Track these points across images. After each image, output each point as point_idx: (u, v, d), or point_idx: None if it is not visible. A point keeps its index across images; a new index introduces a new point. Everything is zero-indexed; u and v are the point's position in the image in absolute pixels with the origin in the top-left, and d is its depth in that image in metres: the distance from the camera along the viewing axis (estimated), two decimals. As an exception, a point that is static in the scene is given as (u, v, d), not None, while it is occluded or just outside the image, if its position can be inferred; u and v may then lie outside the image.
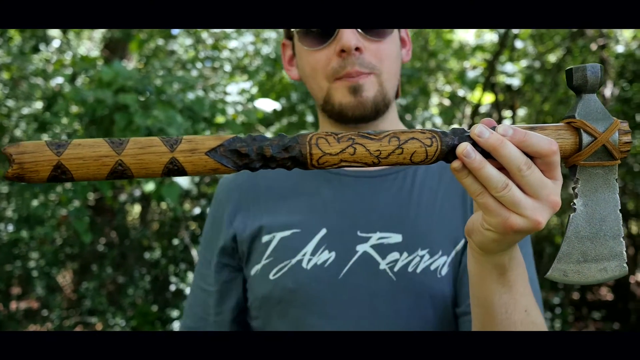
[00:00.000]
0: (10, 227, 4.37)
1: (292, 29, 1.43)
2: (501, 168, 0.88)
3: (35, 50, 4.72)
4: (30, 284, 4.50)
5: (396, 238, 1.36)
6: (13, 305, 4.90)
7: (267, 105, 3.94)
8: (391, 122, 1.46)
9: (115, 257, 4.54)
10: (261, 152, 0.85)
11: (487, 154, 0.88)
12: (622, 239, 0.98)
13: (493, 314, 1.06)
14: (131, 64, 4.73)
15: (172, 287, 4.55)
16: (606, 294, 7.40)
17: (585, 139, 0.93)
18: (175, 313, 4.25)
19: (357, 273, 1.34)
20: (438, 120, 4.73)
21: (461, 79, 4.72)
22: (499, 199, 0.88)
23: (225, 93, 3.96)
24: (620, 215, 0.98)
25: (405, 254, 1.34)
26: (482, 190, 0.89)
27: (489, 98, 5.08)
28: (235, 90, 3.91)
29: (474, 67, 5.34)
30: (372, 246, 1.36)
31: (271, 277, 1.38)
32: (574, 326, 6.20)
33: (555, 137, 0.93)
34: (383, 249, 1.35)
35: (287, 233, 1.40)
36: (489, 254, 0.99)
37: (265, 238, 1.41)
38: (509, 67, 4.82)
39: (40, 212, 4.00)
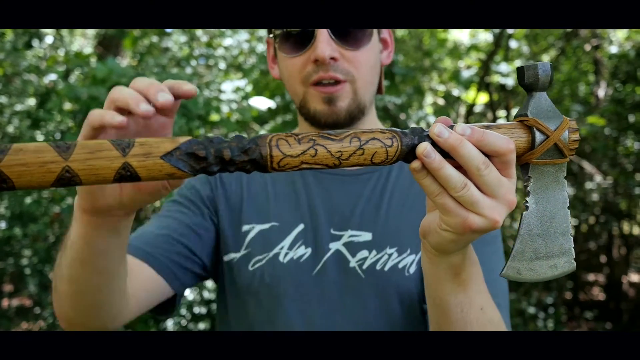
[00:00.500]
0: (3, 225, 4.35)
1: (271, 34, 1.45)
2: (458, 167, 0.88)
3: (28, 46, 4.70)
4: (23, 281, 4.48)
5: (366, 236, 1.39)
6: (5, 302, 4.88)
7: (262, 103, 3.93)
8: (369, 125, 1.48)
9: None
10: (220, 155, 0.80)
11: (445, 154, 0.87)
12: (570, 236, 0.99)
13: (449, 314, 1.07)
14: (125, 61, 4.72)
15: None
16: (598, 294, 7.43)
17: (538, 137, 0.93)
18: (168, 311, 4.22)
19: (329, 270, 1.38)
20: (432, 119, 4.73)
21: (456, 78, 4.72)
22: (457, 198, 0.88)
23: (220, 91, 3.95)
24: (569, 212, 0.99)
25: (374, 252, 1.38)
26: (440, 191, 0.88)
27: (483, 98, 5.08)
28: (230, 89, 3.91)
29: (469, 67, 5.35)
30: (344, 244, 1.39)
31: (250, 267, 1.40)
32: (567, 326, 6.22)
33: (510, 135, 0.93)
34: (353, 247, 1.39)
35: (266, 226, 1.43)
36: (444, 254, 0.99)
37: (245, 227, 1.43)
38: (504, 67, 4.82)
39: (33, 210, 3.98)
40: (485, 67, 4.86)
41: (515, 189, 0.92)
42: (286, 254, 1.39)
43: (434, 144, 0.87)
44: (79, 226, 1.02)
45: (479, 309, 1.07)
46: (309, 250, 1.39)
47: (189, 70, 3.98)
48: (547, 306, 5.32)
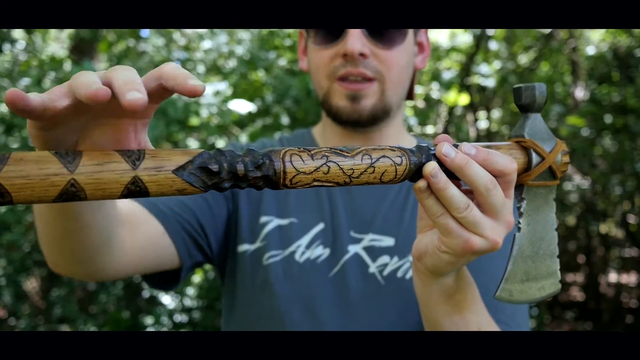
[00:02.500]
0: (-24, 234, 4.24)
1: None
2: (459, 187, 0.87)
3: None
4: (3, 292, 4.36)
5: (388, 241, 1.34)
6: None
7: (242, 106, 3.87)
8: (395, 127, 1.45)
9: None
10: (233, 171, 0.75)
11: (448, 173, 0.85)
12: (557, 258, 1.00)
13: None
14: (101, 64, 4.63)
15: (146, 294, 4.46)
16: (577, 294, 7.47)
17: (535, 159, 0.94)
18: (149, 320, 4.15)
19: (346, 273, 1.32)
20: (413, 121, 4.70)
21: (436, 79, 4.70)
22: (459, 219, 0.86)
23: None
24: (557, 234, 1.00)
25: (395, 259, 1.33)
26: (443, 212, 0.86)
27: (464, 99, 5.07)
28: (210, 92, 3.84)
29: (449, 68, 5.34)
30: (364, 248, 1.34)
31: (264, 262, 1.35)
32: (548, 327, 6.23)
33: (508, 155, 0.92)
34: (374, 252, 1.34)
35: (285, 221, 1.38)
36: (438, 276, 0.96)
37: (263, 219, 1.38)
38: (484, 68, 4.82)
39: (8, 218, 3.88)
40: (466, 69, 4.85)
41: (512, 210, 0.91)
42: (303, 252, 1.34)
43: (439, 162, 0.85)
44: None
45: (476, 328, 1.05)
46: (327, 251, 1.34)
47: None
48: (529, 307, 5.32)
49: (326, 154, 0.80)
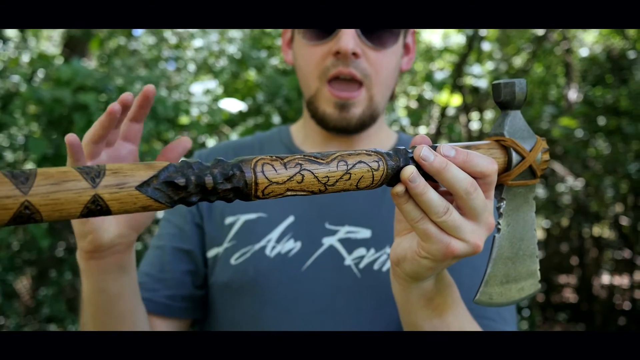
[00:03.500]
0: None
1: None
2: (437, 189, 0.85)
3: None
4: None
5: (365, 233, 1.31)
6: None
7: (233, 105, 3.85)
8: (376, 130, 1.42)
9: (75, 263, 4.40)
10: (201, 184, 0.71)
11: (427, 176, 0.82)
12: (536, 257, 0.97)
13: None
14: (92, 63, 4.61)
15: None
16: (570, 296, 7.46)
17: (515, 158, 0.91)
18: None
19: (321, 267, 1.29)
20: (405, 122, 4.69)
21: (429, 80, 4.69)
22: (439, 224, 0.83)
23: (189, 93, 3.87)
24: (536, 233, 0.97)
25: (372, 251, 1.29)
26: (422, 216, 0.83)
27: (456, 100, 5.06)
28: (200, 90, 3.82)
29: (442, 69, 5.32)
30: (340, 240, 1.31)
31: (232, 262, 1.32)
32: (540, 328, 6.23)
33: (488, 155, 0.89)
34: (350, 244, 1.30)
35: (252, 216, 1.34)
36: (417, 281, 0.94)
37: (228, 220, 1.35)
38: (477, 69, 4.81)
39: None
40: (458, 69, 4.84)
41: (493, 211, 0.88)
42: (273, 247, 1.30)
43: (417, 166, 0.82)
44: (89, 279, 1.05)
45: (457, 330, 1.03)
46: (299, 244, 1.30)
47: (157, 72, 3.89)
48: (521, 309, 5.32)
49: (300, 161, 0.77)
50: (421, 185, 0.81)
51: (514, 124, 0.93)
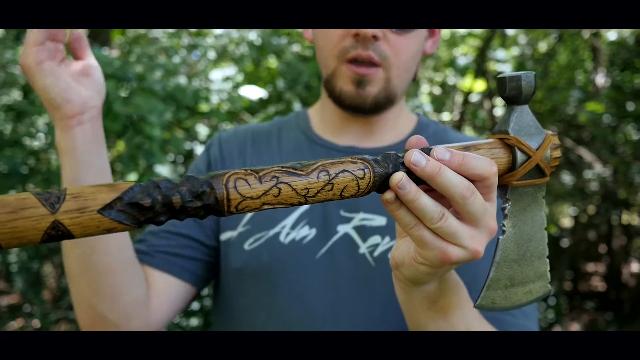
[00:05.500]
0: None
1: None
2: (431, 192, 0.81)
3: (17, 40, 4.60)
4: (10, 279, 4.38)
5: (380, 221, 1.28)
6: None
7: (253, 92, 3.83)
8: (396, 115, 1.39)
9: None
10: (168, 203, 0.69)
11: (420, 180, 0.79)
12: (546, 258, 0.92)
13: None
14: (114, 51, 4.61)
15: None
16: (598, 284, 7.37)
17: (520, 157, 0.86)
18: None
19: (335, 255, 1.27)
20: (428, 108, 4.63)
21: (452, 65, 4.62)
22: (435, 230, 0.80)
23: (208, 80, 3.85)
24: (546, 233, 0.92)
25: (387, 239, 1.27)
26: (416, 222, 0.80)
27: (480, 86, 4.98)
28: (220, 77, 3.81)
29: (465, 54, 5.25)
30: (354, 227, 1.28)
31: (246, 247, 1.30)
32: (567, 317, 6.16)
33: (490, 156, 0.85)
34: (365, 232, 1.28)
35: None
36: (418, 285, 0.91)
37: None
38: (501, 53, 4.73)
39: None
40: (482, 54, 4.77)
41: (495, 214, 0.84)
42: (288, 233, 1.29)
43: (409, 171, 0.78)
44: (73, 154, 1.09)
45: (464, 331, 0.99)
46: (313, 231, 1.29)
47: (177, 60, 3.88)
48: (548, 296, 5.25)
49: (276, 174, 0.74)
50: (412, 191, 0.77)
51: (520, 120, 0.88)
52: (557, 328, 5.26)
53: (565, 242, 6.78)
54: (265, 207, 0.74)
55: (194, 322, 4.13)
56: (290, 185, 0.74)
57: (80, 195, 0.66)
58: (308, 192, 0.75)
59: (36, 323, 4.41)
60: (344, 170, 0.77)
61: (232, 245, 1.33)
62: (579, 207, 6.19)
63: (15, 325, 4.55)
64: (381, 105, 1.30)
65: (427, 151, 0.80)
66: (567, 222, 8.01)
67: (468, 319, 1.01)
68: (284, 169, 0.75)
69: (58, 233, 0.65)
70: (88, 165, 1.10)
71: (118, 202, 0.67)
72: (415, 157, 0.78)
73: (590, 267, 7.59)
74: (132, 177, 3.39)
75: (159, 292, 1.29)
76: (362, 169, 0.78)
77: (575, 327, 5.91)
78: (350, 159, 0.78)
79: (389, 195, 0.79)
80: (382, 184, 0.79)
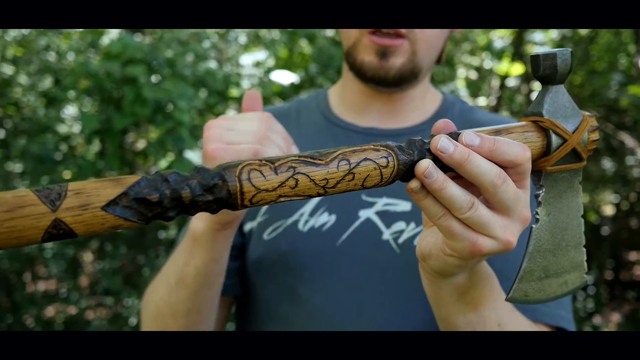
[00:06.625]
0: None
1: None
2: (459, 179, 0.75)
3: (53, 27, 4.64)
4: (47, 264, 4.44)
5: (404, 206, 1.22)
6: (31, 287, 4.85)
7: (284, 77, 3.80)
8: (420, 89, 1.33)
9: (131, 237, 4.46)
10: (178, 197, 0.65)
11: (448, 167, 0.73)
12: (583, 247, 0.86)
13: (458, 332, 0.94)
14: (147, 37, 4.61)
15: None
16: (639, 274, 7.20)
17: (555, 141, 0.80)
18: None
19: (357, 241, 1.21)
20: (464, 93, 4.55)
21: (488, 49, 4.52)
22: (464, 220, 0.74)
23: (238, 65, 3.83)
24: (582, 221, 0.86)
25: (412, 225, 1.21)
26: (444, 212, 0.75)
27: (517, 69, 4.87)
28: (250, 62, 3.78)
29: (502, 37, 5.13)
30: (377, 213, 1.22)
31: (265, 237, 1.26)
32: (607, 307, 6.02)
33: (522, 140, 0.79)
34: (388, 217, 1.21)
35: None
36: (446, 277, 0.85)
37: None
38: (539, 36, 4.61)
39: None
40: (519, 37, 4.65)
41: (529, 202, 0.78)
42: (306, 221, 1.24)
43: (436, 158, 0.73)
44: (210, 249, 1.05)
45: (495, 326, 0.93)
46: (333, 217, 1.23)
47: (207, 45, 3.86)
48: (586, 286, 5.14)
49: (293, 164, 0.69)
50: (439, 180, 0.72)
51: (555, 101, 0.82)
52: (597, 318, 5.14)
53: (605, 230, 6.62)
54: (282, 199, 0.70)
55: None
56: (308, 176, 0.70)
57: (83, 191, 0.62)
58: (327, 182, 0.71)
59: (72, 309, 4.45)
60: (365, 159, 0.72)
61: (253, 235, 1.29)
62: (620, 194, 6.03)
63: (52, 310, 4.60)
64: (405, 78, 1.24)
65: (455, 136, 0.75)
66: (608, 209, 7.84)
67: (500, 312, 0.95)
68: (301, 159, 0.70)
69: (60, 232, 0.61)
70: (216, 261, 1.08)
71: (123, 198, 0.63)
72: (442, 143, 0.72)
73: (632, 255, 7.40)
74: (163, 163, 3.39)
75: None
76: (385, 157, 0.73)
77: (615, 317, 5.79)
78: (372, 146, 0.73)
79: (414, 184, 0.74)
80: (406, 172, 0.74)
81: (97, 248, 4.90)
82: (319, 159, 0.70)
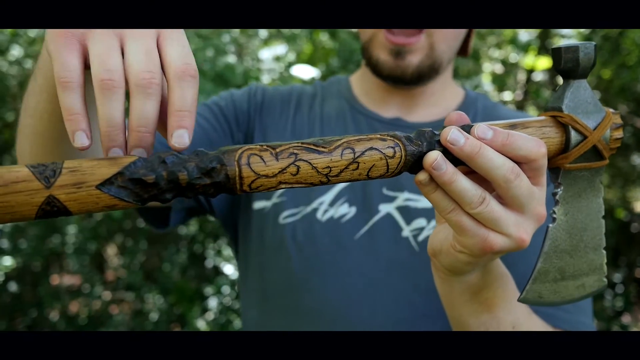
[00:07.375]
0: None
1: None
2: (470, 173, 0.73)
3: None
4: (69, 260, 4.46)
5: (426, 202, 1.19)
6: (55, 280, 4.88)
7: (305, 72, 3.76)
8: (442, 87, 1.30)
9: (150, 232, 4.46)
10: (174, 179, 0.65)
11: (459, 161, 0.71)
12: (603, 250, 0.83)
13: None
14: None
15: (209, 263, 4.46)
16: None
17: (574, 138, 0.77)
18: (209, 290, 4.15)
19: (376, 236, 1.18)
20: (489, 88, 4.47)
21: (514, 42, 4.44)
22: (474, 216, 0.72)
23: (258, 59, 3.80)
24: (603, 222, 0.82)
25: (433, 223, 1.17)
26: (454, 207, 0.72)
27: (543, 63, 4.77)
28: (270, 57, 3.75)
29: (527, 30, 5.04)
30: (397, 208, 1.19)
31: (281, 220, 1.23)
32: (636, 305, 5.91)
33: (540, 135, 0.77)
34: (409, 213, 1.18)
35: None
36: (458, 275, 0.83)
37: None
38: (566, 29, 4.51)
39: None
40: (546, 30, 4.56)
41: (545, 200, 0.75)
42: (326, 210, 1.21)
43: (446, 151, 0.71)
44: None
45: (509, 328, 0.90)
46: (353, 209, 1.20)
47: (227, 39, 3.84)
48: (614, 284, 5.03)
49: (295, 150, 0.68)
50: (448, 172, 0.69)
51: (576, 96, 0.79)
52: (626, 316, 5.05)
53: (635, 227, 6.49)
54: (283, 186, 0.69)
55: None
56: (310, 163, 0.68)
57: (78, 169, 0.62)
58: (330, 170, 0.69)
59: (96, 304, 4.47)
60: (371, 148, 0.70)
61: (266, 216, 1.26)
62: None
63: (77, 304, 4.63)
64: (424, 75, 1.22)
65: (468, 129, 0.72)
66: (638, 206, 7.70)
67: (516, 314, 0.92)
68: (304, 145, 0.69)
69: (53, 209, 0.62)
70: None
71: (119, 178, 0.63)
72: (452, 134, 0.70)
73: (663, 253, 7.26)
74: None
75: None
76: (392, 147, 0.71)
77: (645, 316, 5.68)
78: (379, 136, 0.72)
79: (422, 176, 0.72)
80: (415, 163, 0.72)
81: (120, 244, 4.91)
82: (323, 147, 0.69)
